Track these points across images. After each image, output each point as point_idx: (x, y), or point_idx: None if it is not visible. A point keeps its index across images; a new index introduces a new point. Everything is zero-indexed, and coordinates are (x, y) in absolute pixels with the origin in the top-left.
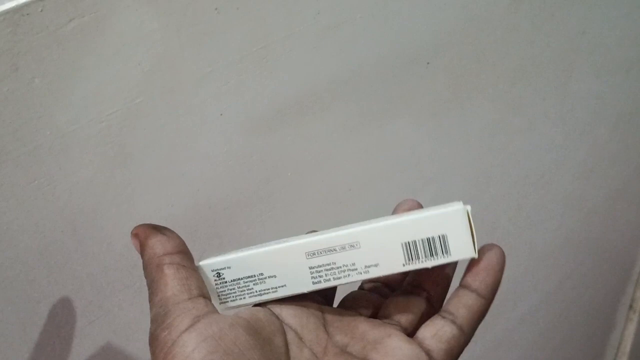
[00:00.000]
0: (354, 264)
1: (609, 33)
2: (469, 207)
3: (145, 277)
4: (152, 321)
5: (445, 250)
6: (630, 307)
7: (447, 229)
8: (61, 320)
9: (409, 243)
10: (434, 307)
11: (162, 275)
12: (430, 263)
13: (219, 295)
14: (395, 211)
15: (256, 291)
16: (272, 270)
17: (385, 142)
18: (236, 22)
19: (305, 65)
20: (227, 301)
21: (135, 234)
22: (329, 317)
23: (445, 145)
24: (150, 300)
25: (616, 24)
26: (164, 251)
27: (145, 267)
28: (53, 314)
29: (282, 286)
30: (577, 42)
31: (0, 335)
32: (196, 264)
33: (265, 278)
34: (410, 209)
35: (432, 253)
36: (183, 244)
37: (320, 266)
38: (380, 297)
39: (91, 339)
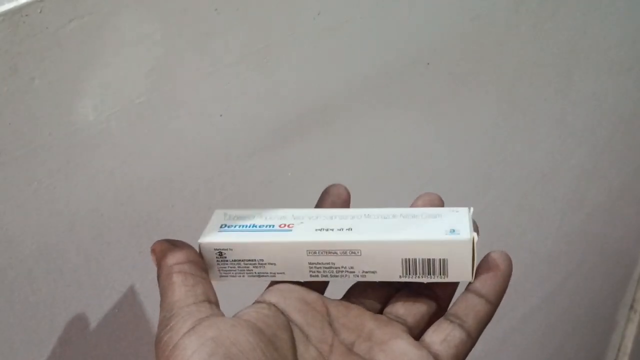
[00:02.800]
0: (352, 268)
1: (610, 33)
2: (475, 235)
3: (159, 288)
4: (159, 325)
5: (443, 271)
6: (631, 307)
7: (449, 255)
8: (60, 322)
9: (409, 260)
10: (441, 307)
11: (170, 283)
12: (426, 280)
13: (219, 270)
14: (414, 203)
15: (255, 273)
16: (272, 258)
17: (385, 142)
18: (236, 23)
19: (305, 65)
20: (227, 276)
21: (152, 250)
22: (335, 312)
23: (445, 145)
24: (160, 306)
25: (616, 24)
26: (175, 261)
27: (158, 278)
28: (52, 316)
29: (281, 273)
30: (578, 42)
31: None
32: (198, 241)
33: (265, 264)
34: (430, 201)
35: (430, 272)
36: (195, 254)
37: (319, 264)
38: (387, 290)
39: (90, 340)
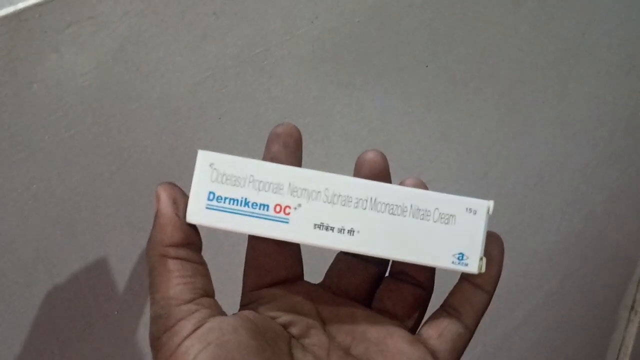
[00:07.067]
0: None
1: (609, 34)
2: (483, 264)
3: (146, 255)
4: (154, 321)
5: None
6: (632, 308)
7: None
8: (60, 324)
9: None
10: (426, 291)
11: (164, 271)
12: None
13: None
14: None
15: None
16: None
17: (384, 144)
18: (234, 27)
19: (303, 68)
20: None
21: (156, 196)
22: (325, 313)
23: (444, 147)
24: (151, 292)
25: (616, 25)
26: (172, 241)
27: (148, 244)
28: (52, 318)
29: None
30: (577, 44)
31: None
32: (186, 220)
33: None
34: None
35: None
36: (193, 233)
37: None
38: (366, 273)
39: (90, 342)
